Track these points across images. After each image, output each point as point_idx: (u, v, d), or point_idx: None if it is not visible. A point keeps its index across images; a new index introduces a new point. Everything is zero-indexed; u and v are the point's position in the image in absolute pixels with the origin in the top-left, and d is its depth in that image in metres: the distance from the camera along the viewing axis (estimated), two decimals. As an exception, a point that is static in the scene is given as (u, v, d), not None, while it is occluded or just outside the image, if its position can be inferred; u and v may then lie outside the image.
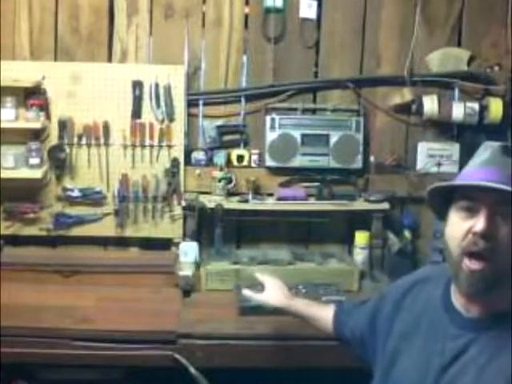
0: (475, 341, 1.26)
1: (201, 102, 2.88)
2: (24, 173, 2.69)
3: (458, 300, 1.32)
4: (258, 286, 2.05)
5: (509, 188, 1.18)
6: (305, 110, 2.87)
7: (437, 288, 1.39)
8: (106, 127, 2.77)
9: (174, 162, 2.81)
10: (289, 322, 2.32)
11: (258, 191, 2.84)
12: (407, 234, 2.82)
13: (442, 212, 1.34)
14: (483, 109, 2.79)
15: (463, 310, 1.31)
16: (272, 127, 2.81)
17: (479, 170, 1.26)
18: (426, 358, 1.32)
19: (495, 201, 1.20)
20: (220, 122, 2.89)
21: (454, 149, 2.89)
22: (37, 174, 2.69)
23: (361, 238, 2.76)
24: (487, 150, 1.29)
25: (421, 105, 2.80)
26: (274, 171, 2.87)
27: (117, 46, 2.83)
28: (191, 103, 2.85)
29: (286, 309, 1.92)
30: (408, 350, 1.38)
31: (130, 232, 2.86)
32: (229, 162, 2.86)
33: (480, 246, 1.21)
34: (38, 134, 2.75)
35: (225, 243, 2.77)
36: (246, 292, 2.02)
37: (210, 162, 2.86)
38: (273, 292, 1.96)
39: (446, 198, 1.31)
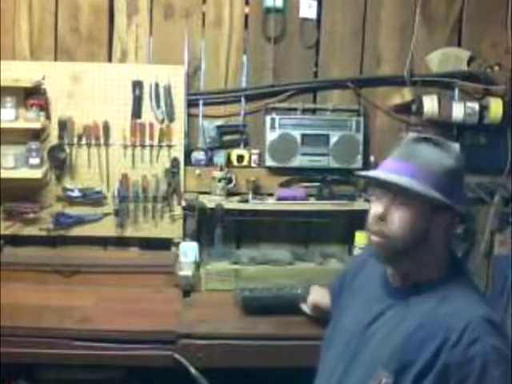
0: (392, 306, 1.46)
1: (201, 102, 2.88)
2: (24, 173, 2.69)
3: (389, 270, 1.53)
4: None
5: (400, 180, 1.39)
6: (305, 110, 2.87)
7: None
8: (106, 127, 2.77)
9: (174, 162, 2.81)
10: (289, 321, 2.33)
11: (257, 191, 2.84)
12: (407, 233, 2.81)
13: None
14: (483, 109, 2.79)
15: (391, 280, 1.52)
16: (272, 127, 2.81)
17: (390, 161, 1.47)
18: (360, 316, 1.52)
19: (394, 190, 1.42)
20: (220, 122, 2.89)
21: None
22: (37, 174, 2.69)
23: (361, 238, 2.76)
24: (402, 142, 1.48)
25: (421, 105, 2.80)
26: (274, 171, 2.87)
27: (117, 45, 2.83)
28: (191, 103, 2.85)
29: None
30: (353, 306, 1.59)
31: (129, 232, 2.86)
32: (229, 161, 2.86)
33: (375, 227, 1.45)
34: (37, 134, 2.75)
35: (225, 243, 2.77)
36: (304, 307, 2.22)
37: (209, 162, 2.86)
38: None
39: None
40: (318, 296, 2.15)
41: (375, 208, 1.45)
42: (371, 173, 1.53)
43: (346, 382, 1.47)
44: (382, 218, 1.43)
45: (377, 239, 1.45)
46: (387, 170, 1.44)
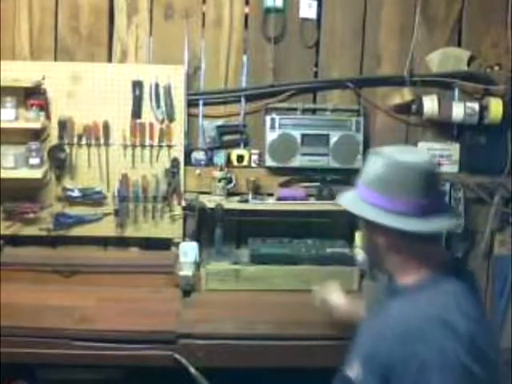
0: (385, 304, 1.52)
1: (201, 102, 2.88)
2: (24, 173, 2.69)
3: None
4: None
5: (355, 210, 1.50)
6: (305, 110, 2.87)
7: None
8: (106, 127, 2.77)
9: (174, 162, 2.81)
10: (289, 321, 2.34)
11: (258, 191, 2.84)
12: (407, 233, 2.81)
13: None
14: (483, 109, 2.79)
15: (393, 281, 1.56)
16: (272, 127, 2.81)
17: (360, 186, 1.56)
18: (366, 316, 1.63)
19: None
20: (220, 121, 2.89)
21: (453, 149, 2.89)
22: (37, 174, 2.69)
23: (361, 237, 2.76)
24: (371, 165, 1.54)
25: (421, 105, 2.80)
26: (274, 171, 2.87)
27: (117, 46, 2.83)
28: (191, 103, 2.85)
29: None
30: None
31: (129, 232, 2.86)
32: (229, 161, 2.86)
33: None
34: (38, 134, 2.75)
35: (225, 243, 2.77)
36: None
37: (210, 162, 2.86)
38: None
39: None
40: (333, 294, 2.16)
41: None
42: (342, 197, 1.63)
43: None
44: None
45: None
46: (356, 195, 1.56)
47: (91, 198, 2.81)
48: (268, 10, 2.81)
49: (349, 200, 1.53)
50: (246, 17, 2.85)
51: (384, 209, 1.45)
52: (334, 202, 2.79)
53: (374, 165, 1.50)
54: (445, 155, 2.88)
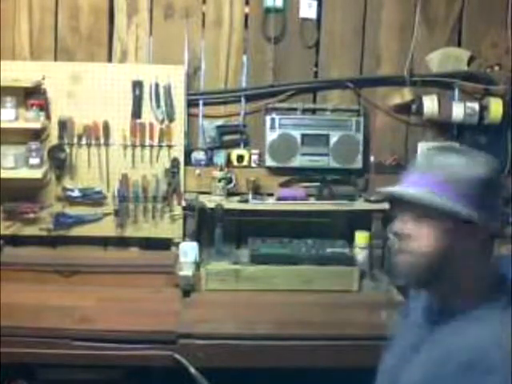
0: (429, 334, 1.32)
1: (201, 102, 2.88)
2: (24, 173, 2.69)
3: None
4: None
5: (415, 193, 1.27)
6: (305, 110, 2.87)
7: None
8: (106, 127, 2.77)
9: (174, 162, 2.81)
10: (289, 321, 2.33)
11: (258, 191, 2.84)
12: (407, 234, 2.81)
13: None
14: (483, 109, 2.79)
15: (430, 303, 1.37)
16: (272, 127, 2.81)
17: (407, 174, 1.35)
18: (402, 346, 1.40)
19: (412, 204, 1.28)
20: (220, 121, 2.89)
21: (454, 149, 2.88)
22: (37, 174, 2.69)
23: (361, 238, 2.76)
24: (421, 153, 1.37)
25: (421, 105, 2.80)
26: (274, 171, 2.87)
27: (117, 46, 2.83)
28: (191, 103, 2.85)
29: None
30: (398, 336, 1.45)
31: (129, 232, 2.86)
32: (229, 161, 2.86)
33: (397, 245, 1.33)
34: (38, 134, 2.74)
35: (225, 243, 2.77)
36: None
37: (210, 162, 2.86)
38: None
39: None
40: None
41: (397, 225, 1.33)
42: (388, 188, 1.37)
43: None
44: (404, 235, 1.30)
45: (402, 257, 1.31)
46: (404, 184, 1.32)
47: (91, 197, 2.81)
48: (268, 10, 2.81)
49: (422, 194, 1.27)
50: (246, 17, 2.85)
51: (477, 209, 1.25)
52: (334, 202, 2.80)
53: (462, 166, 1.29)
54: (445, 155, 2.88)
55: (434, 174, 1.28)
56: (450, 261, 1.28)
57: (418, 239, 1.28)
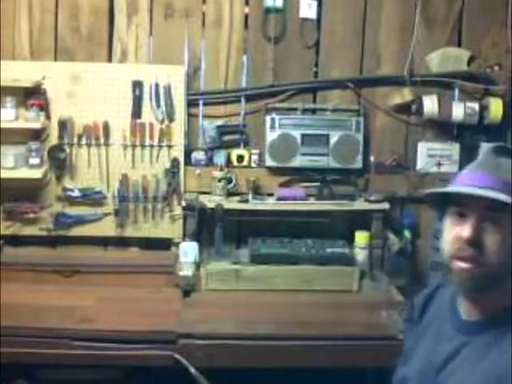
0: (467, 344, 1.26)
1: (201, 102, 2.88)
2: (24, 173, 2.69)
3: (460, 302, 1.33)
4: None
5: (493, 194, 1.19)
6: (305, 110, 2.87)
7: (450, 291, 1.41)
8: (106, 127, 2.77)
9: (174, 162, 2.81)
10: (289, 321, 2.33)
11: (258, 191, 2.84)
12: (407, 233, 2.82)
13: (442, 214, 1.34)
14: (483, 109, 2.79)
15: (462, 313, 1.31)
16: (272, 127, 2.81)
17: (469, 174, 1.28)
18: (431, 357, 1.33)
19: (482, 207, 1.22)
20: (220, 121, 2.89)
21: (454, 149, 2.89)
22: (37, 174, 2.69)
23: (361, 238, 2.76)
24: (481, 152, 1.30)
25: (421, 105, 2.80)
26: (274, 171, 2.87)
27: (117, 45, 2.83)
28: (191, 103, 2.85)
29: None
30: (422, 346, 1.39)
31: (129, 232, 2.86)
32: (229, 162, 2.86)
33: (467, 252, 1.23)
34: (38, 134, 2.75)
35: (225, 243, 2.77)
36: None
37: (210, 162, 2.86)
38: None
39: (443, 200, 1.32)
40: None
41: (462, 230, 1.23)
42: (453, 188, 1.28)
43: None
44: (473, 241, 1.22)
45: (468, 266, 1.23)
46: (468, 185, 1.24)
47: (91, 197, 2.81)
48: (268, 10, 2.81)
49: (496, 194, 1.20)
50: (246, 17, 2.85)
51: None
52: (334, 202, 2.80)
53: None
54: (445, 155, 2.88)
55: (498, 175, 1.23)
56: None
57: (490, 247, 1.21)
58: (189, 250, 2.66)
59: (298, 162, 2.83)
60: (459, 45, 2.89)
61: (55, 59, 2.81)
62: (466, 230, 1.22)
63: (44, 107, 2.70)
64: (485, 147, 1.30)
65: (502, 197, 1.19)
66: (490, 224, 1.22)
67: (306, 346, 2.22)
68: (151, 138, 2.79)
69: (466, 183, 1.25)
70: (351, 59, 2.89)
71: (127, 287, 2.57)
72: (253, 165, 2.87)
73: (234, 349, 2.20)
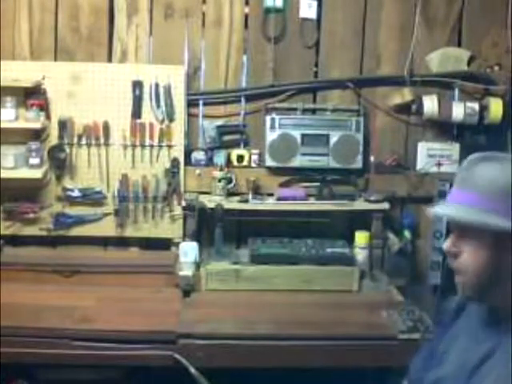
0: (499, 344, 1.28)
1: (201, 102, 2.88)
2: (24, 173, 2.69)
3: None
4: None
5: (466, 216, 1.25)
6: (305, 110, 2.87)
7: None
8: (106, 127, 2.77)
9: (174, 162, 2.81)
10: (289, 321, 2.34)
11: (258, 191, 2.84)
12: (407, 233, 2.82)
13: None
14: (483, 109, 2.79)
15: (489, 315, 1.33)
16: (272, 127, 2.81)
17: (455, 190, 1.33)
18: (463, 359, 1.35)
19: (454, 223, 1.30)
20: (220, 121, 2.89)
21: (454, 149, 2.89)
22: (37, 174, 2.69)
23: (361, 238, 2.76)
24: (464, 165, 1.33)
25: (421, 105, 2.80)
26: (274, 171, 2.87)
27: (117, 46, 2.83)
28: (191, 103, 2.85)
29: None
30: (453, 351, 1.41)
31: (129, 232, 2.86)
32: (229, 162, 2.86)
33: (452, 264, 1.33)
34: (38, 134, 2.75)
35: (225, 243, 2.77)
36: None
37: (210, 162, 2.86)
38: None
39: None
40: None
41: (445, 244, 1.33)
42: (436, 208, 1.37)
43: None
44: (454, 254, 1.31)
45: (456, 277, 1.32)
46: (449, 201, 1.32)
47: (91, 197, 2.81)
48: (268, 10, 2.81)
49: (467, 212, 1.26)
50: (246, 17, 2.85)
51: None
52: (334, 202, 2.80)
53: (497, 175, 1.28)
54: (445, 155, 2.88)
55: (472, 189, 1.27)
56: (500, 274, 1.26)
57: (465, 258, 1.28)
58: (189, 250, 2.66)
59: (297, 161, 2.83)
60: (459, 45, 2.89)
61: (55, 59, 2.81)
62: (446, 245, 1.32)
63: (44, 107, 2.70)
64: (468, 160, 1.34)
65: (457, 214, 1.27)
66: (464, 239, 1.29)
67: (305, 345, 2.22)
68: (151, 138, 2.79)
69: (453, 200, 1.32)
70: (351, 59, 2.89)
71: (127, 287, 2.57)
72: (253, 165, 2.87)
73: (234, 349, 2.20)
